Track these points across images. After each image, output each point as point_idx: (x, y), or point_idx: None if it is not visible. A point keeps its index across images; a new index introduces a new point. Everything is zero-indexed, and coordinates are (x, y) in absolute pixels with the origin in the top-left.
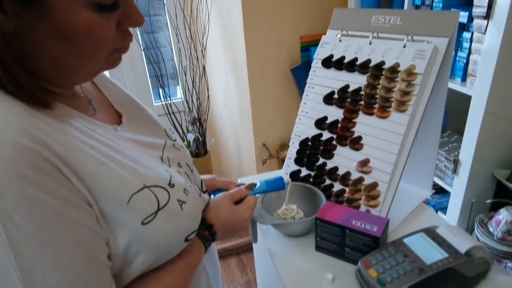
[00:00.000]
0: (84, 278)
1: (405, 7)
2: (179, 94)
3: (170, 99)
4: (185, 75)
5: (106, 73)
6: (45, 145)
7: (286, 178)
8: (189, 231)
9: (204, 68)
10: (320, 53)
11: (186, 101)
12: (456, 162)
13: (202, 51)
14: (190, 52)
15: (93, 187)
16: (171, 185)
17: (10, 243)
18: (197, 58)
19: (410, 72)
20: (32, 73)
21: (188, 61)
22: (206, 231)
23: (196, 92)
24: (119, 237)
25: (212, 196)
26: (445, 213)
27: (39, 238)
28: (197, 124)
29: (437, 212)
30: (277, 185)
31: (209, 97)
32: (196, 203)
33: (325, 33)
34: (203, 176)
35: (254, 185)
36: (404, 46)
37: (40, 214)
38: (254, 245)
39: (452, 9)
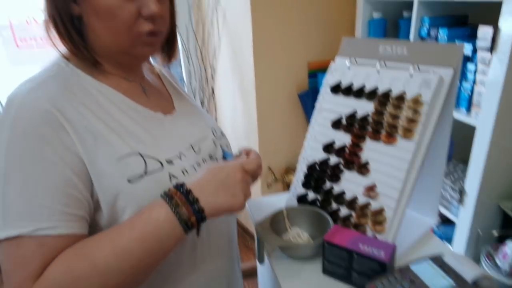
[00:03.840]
0: (39, 203)
1: (411, 38)
2: None
3: None
4: (194, 96)
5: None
6: (60, 109)
7: (293, 201)
8: None
9: (213, 90)
10: (329, 80)
11: None
12: (461, 192)
13: (212, 74)
14: (200, 74)
15: (92, 141)
16: (169, 161)
17: (6, 163)
18: (207, 80)
19: (416, 101)
20: (93, 51)
21: (197, 83)
22: (178, 192)
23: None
24: (109, 189)
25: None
26: (451, 243)
27: (22, 166)
28: None
29: None
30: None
31: (216, 119)
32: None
33: (332, 60)
34: None
35: None
36: (411, 76)
37: (29, 153)
38: (259, 267)
39: (456, 41)
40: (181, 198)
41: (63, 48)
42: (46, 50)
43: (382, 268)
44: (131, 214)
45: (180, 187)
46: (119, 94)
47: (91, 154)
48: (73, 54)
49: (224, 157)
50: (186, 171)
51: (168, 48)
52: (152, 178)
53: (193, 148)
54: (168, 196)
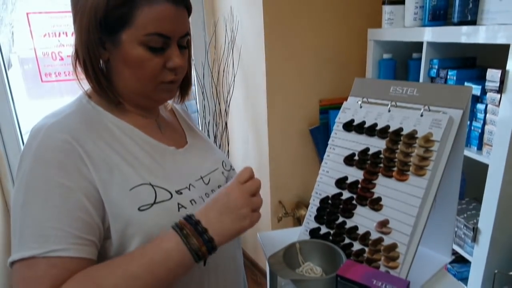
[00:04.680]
0: (53, 225)
1: (421, 78)
2: None
3: None
4: (208, 129)
5: None
6: (79, 141)
7: (306, 235)
8: None
9: (226, 124)
10: (341, 117)
11: None
12: (475, 230)
13: (225, 109)
14: (215, 109)
15: (107, 172)
16: (179, 192)
17: (25, 188)
18: (221, 115)
19: (427, 139)
20: (116, 92)
21: (211, 117)
22: (188, 223)
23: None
24: (121, 218)
25: None
26: (466, 283)
27: (41, 191)
28: None
29: None
30: None
31: (229, 152)
32: None
33: (343, 98)
34: None
35: None
36: (421, 115)
37: (45, 181)
38: None
39: (465, 82)
40: (190, 229)
41: (86, 85)
42: (65, 84)
43: None
44: (139, 242)
45: (189, 218)
46: (135, 129)
47: (105, 184)
48: (97, 94)
49: None
50: (194, 201)
51: (183, 90)
52: (161, 206)
53: (203, 180)
54: (178, 227)
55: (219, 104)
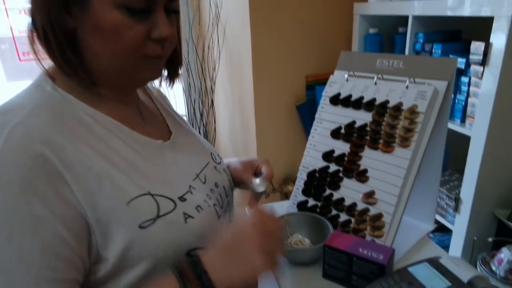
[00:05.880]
0: (35, 271)
1: (406, 52)
2: None
3: None
4: (194, 108)
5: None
6: (54, 150)
7: (294, 208)
8: (191, 246)
9: (212, 102)
10: (328, 91)
11: None
12: (457, 200)
13: (211, 86)
14: (200, 87)
15: (96, 185)
16: (182, 199)
17: None
18: (206, 92)
19: (412, 111)
20: (87, 71)
21: (197, 95)
22: (192, 273)
23: (203, 125)
24: (117, 239)
25: None
26: (447, 251)
27: (3, 225)
28: None
29: None
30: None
31: (215, 130)
32: (208, 221)
33: (330, 73)
34: (231, 160)
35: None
36: (407, 87)
37: (19, 215)
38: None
39: (450, 56)
40: (194, 281)
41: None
42: (45, 62)
43: (381, 270)
44: (146, 267)
45: (193, 264)
46: (117, 123)
47: (94, 201)
48: (65, 74)
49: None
50: (200, 207)
51: (171, 69)
52: (165, 220)
53: (199, 178)
54: (180, 275)
55: (205, 81)
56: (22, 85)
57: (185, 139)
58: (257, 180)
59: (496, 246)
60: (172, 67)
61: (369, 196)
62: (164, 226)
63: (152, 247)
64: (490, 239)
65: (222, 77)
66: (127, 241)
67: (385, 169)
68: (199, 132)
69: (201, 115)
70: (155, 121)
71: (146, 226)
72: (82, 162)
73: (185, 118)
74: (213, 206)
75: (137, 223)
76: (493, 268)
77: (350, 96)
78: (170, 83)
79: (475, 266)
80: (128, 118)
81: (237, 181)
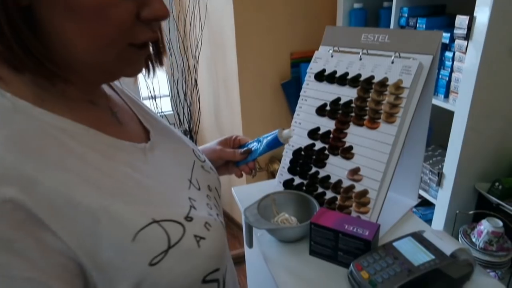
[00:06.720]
0: None
1: (391, 27)
2: (170, 106)
3: (162, 112)
4: (177, 88)
5: None
6: (31, 189)
7: (280, 187)
8: (207, 271)
9: (196, 81)
10: (313, 67)
11: (177, 113)
12: (440, 175)
13: (194, 65)
14: (183, 65)
15: (89, 223)
16: (188, 218)
17: None
18: (189, 71)
19: (397, 86)
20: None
21: (180, 74)
22: None
23: (187, 105)
24: (124, 285)
25: None
26: (430, 224)
27: None
28: (188, 136)
29: None
30: (275, 143)
31: (200, 109)
32: (219, 238)
33: (315, 50)
34: (206, 145)
35: (249, 151)
36: (392, 62)
37: None
38: (247, 253)
39: (435, 30)
40: None
41: None
42: None
43: (366, 246)
44: None
45: None
46: (93, 131)
47: (91, 243)
48: (16, 69)
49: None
50: (209, 224)
51: (154, 58)
52: (178, 250)
53: (193, 185)
54: None
55: (187, 60)
56: None
57: (164, 137)
58: (286, 130)
59: (476, 219)
60: (155, 54)
61: (355, 173)
62: (178, 258)
63: (166, 284)
64: (471, 212)
65: (205, 55)
66: (136, 282)
67: (370, 145)
68: (183, 113)
69: (185, 94)
70: (127, 118)
71: (157, 261)
72: (65, 198)
73: (168, 98)
74: (217, 217)
75: (146, 261)
76: (473, 239)
77: (335, 72)
78: (152, 73)
79: (457, 238)
80: (102, 122)
81: (220, 161)
